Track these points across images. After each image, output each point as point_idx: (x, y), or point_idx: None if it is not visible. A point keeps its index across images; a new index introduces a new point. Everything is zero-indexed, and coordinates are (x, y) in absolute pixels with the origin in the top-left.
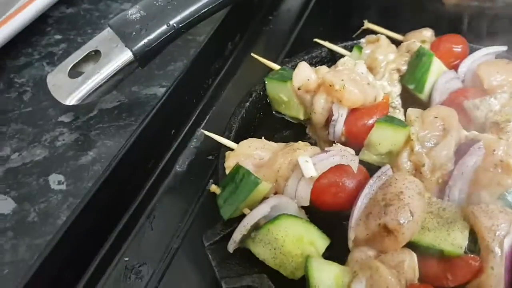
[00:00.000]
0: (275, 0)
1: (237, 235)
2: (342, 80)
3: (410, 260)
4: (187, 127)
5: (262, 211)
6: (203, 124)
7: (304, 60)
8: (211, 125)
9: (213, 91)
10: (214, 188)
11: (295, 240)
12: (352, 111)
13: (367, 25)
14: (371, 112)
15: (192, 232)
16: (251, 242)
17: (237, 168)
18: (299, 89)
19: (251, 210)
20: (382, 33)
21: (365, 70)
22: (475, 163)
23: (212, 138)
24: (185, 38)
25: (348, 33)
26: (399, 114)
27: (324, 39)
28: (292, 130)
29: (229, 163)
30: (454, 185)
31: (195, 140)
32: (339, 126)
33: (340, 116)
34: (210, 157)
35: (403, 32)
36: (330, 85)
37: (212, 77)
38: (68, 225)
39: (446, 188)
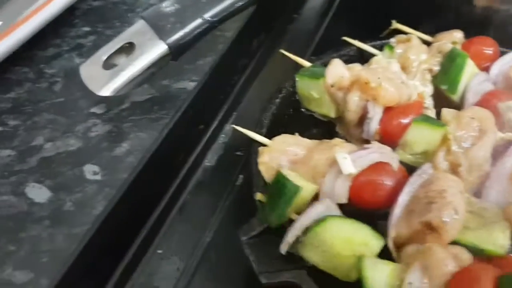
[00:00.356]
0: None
1: (290, 238)
2: (378, 77)
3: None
4: (216, 123)
5: (312, 216)
6: (231, 120)
7: (333, 58)
8: (239, 121)
9: (240, 87)
10: (259, 196)
11: (344, 241)
12: (387, 109)
13: (395, 25)
14: (406, 111)
15: (223, 226)
16: (300, 246)
17: (278, 175)
18: (332, 86)
19: (298, 214)
20: (410, 34)
21: (398, 69)
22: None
23: (240, 134)
24: (213, 34)
25: (374, 32)
26: (431, 115)
27: (354, 38)
28: (321, 128)
29: (263, 159)
30: (491, 186)
31: (223, 135)
32: (373, 125)
33: (375, 114)
34: (238, 153)
35: (430, 33)
36: (366, 83)
37: (239, 73)
38: (105, 216)
39: (483, 188)
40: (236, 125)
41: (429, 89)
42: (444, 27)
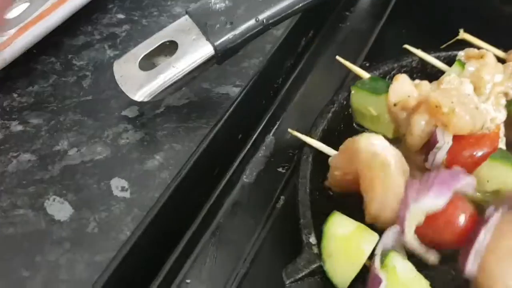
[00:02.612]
0: None
1: None
2: (452, 102)
3: None
4: (257, 133)
5: None
6: (273, 130)
7: (393, 68)
8: (282, 132)
9: (284, 93)
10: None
11: None
12: (457, 138)
13: (463, 35)
14: (480, 143)
15: (262, 256)
16: None
17: None
18: (395, 105)
19: None
20: (479, 46)
21: (471, 92)
22: None
23: (282, 147)
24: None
25: (435, 39)
26: (500, 143)
27: (410, 44)
28: None
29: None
30: None
31: (264, 148)
32: (441, 154)
33: (445, 144)
34: (280, 169)
35: (502, 47)
36: (437, 106)
37: (284, 76)
38: (132, 243)
39: None
40: (278, 136)
41: (502, 115)
42: None
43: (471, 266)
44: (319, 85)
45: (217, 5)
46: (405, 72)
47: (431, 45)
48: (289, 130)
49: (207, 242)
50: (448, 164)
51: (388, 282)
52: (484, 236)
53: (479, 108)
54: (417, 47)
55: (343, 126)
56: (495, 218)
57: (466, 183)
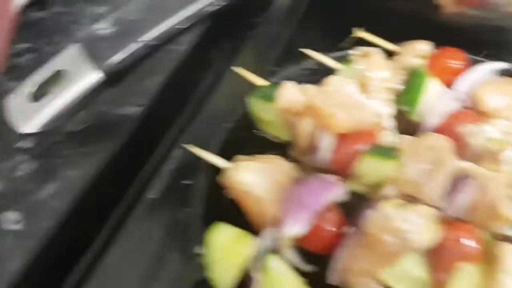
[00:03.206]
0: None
1: None
2: (329, 104)
3: None
4: (162, 148)
5: None
6: (179, 144)
7: (294, 72)
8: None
9: (193, 107)
10: None
11: None
12: (341, 137)
13: (359, 33)
14: (362, 139)
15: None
16: None
17: None
18: (284, 110)
19: None
20: (375, 43)
21: (356, 91)
22: (467, 201)
23: (190, 160)
24: (165, 49)
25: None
26: (393, 138)
27: (317, 45)
28: (277, 150)
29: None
30: None
31: (170, 162)
32: (324, 153)
33: (325, 143)
34: (186, 182)
35: (398, 41)
36: (317, 109)
37: (193, 90)
38: (22, 273)
39: None
40: (185, 150)
41: (390, 110)
42: (416, 35)
43: (332, 277)
44: (229, 95)
45: (103, 31)
46: (308, 74)
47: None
48: (185, 145)
49: (106, 267)
50: (335, 163)
51: (263, 282)
52: (340, 255)
53: (363, 106)
54: (326, 48)
55: (247, 132)
56: (351, 239)
57: (337, 192)
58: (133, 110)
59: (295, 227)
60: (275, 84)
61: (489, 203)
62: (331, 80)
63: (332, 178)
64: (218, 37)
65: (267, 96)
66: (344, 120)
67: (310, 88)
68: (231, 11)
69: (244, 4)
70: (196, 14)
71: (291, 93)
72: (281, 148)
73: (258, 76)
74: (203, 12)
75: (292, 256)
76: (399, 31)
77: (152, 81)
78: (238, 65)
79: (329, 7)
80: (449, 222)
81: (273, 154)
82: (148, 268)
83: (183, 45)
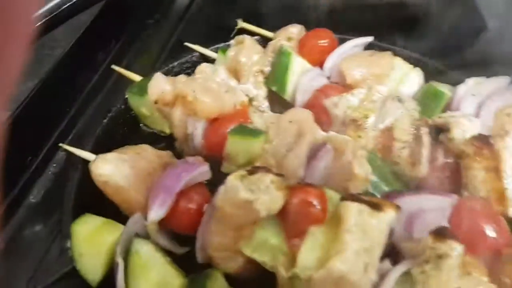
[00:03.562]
0: (156, 1)
1: None
2: (194, 91)
3: None
4: (44, 151)
5: None
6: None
7: (174, 66)
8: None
9: (78, 107)
10: None
11: None
12: (211, 122)
13: (241, 24)
14: (229, 122)
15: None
16: None
17: None
18: (156, 102)
19: None
20: (255, 32)
21: (225, 76)
22: (326, 167)
23: (73, 162)
24: (40, 53)
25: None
26: (268, 117)
27: (206, 39)
28: (164, 143)
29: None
30: None
31: (54, 165)
32: (197, 140)
33: (195, 129)
34: (69, 184)
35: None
36: (183, 97)
37: (79, 92)
38: None
39: None
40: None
41: (262, 92)
42: (294, 21)
43: (199, 256)
44: (115, 95)
45: None
46: (188, 67)
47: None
48: (60, 144)
49: None
50: (207, 147)
51: (130, 265)
52: (201, 233)
53: (231, 90)
54: (212, 42)
55: (127, 129)
56: (207, 216)
57: (199, 172)
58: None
59: (156, 210)
60: (147, 78)
61: (345, 166)
62: (199, 68)
63: (194, 159)
64: (105, 40)
65: (141, 90)
66: (208, 104)
67: (179, 77)
68: (121, 12)
69: (135, 5)
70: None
71: (160, 85)
72: (167, 141)
73: (142, 73)
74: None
75: (162, 239)
76: (278, 19)
77: (26, 86)
78: (123, 64)
79: (216, 3)
80: (296, 187)
81: (162, 147)
82: (29, 270)
83: (59, 49)
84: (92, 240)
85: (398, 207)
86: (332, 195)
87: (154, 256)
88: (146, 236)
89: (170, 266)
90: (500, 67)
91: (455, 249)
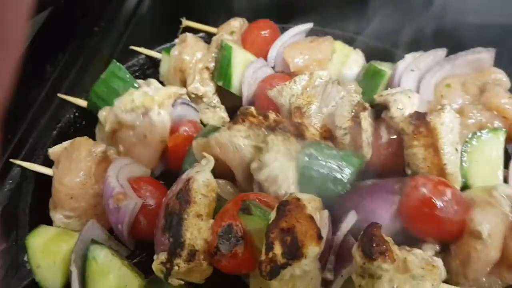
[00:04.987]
0: (101, 9)
1: None
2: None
3: None
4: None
5: None
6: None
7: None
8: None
9: (29, 122)
10: None
11: None
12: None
13: (186, 22)
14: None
15: None
16: None
17: None
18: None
19: None
20: (200, 29)
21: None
22: None
23: (28, 176)
24: None
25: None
26: (221, 112)
27: (152, 40)
28: None
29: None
30: None
31: (10, 181)
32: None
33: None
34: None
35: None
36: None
37: (29, 107)
38: None
39: None
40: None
41: (211, 88)
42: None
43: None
44: (65, 107)
45: None
46: (135, 70)
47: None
48: (11, 160)
49: None
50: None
51: (89, 271)
52: None
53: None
54: (159, 43)
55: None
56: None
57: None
58: None
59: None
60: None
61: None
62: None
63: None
64: (50, 53)
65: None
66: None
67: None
68: (66, 22)
69: (80, 14)
70: None
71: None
72: None
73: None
74: None
75: (115, 244)
76: (223, 15)
77: None
78: (71, 76)
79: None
80: None
81: None
82: None
83: None
84: (47, 251)
85: None
86: None
87: (111, 260)
88: (102, 240)
89: (128, 269)
90: (440, 41)
91: (384, 269)
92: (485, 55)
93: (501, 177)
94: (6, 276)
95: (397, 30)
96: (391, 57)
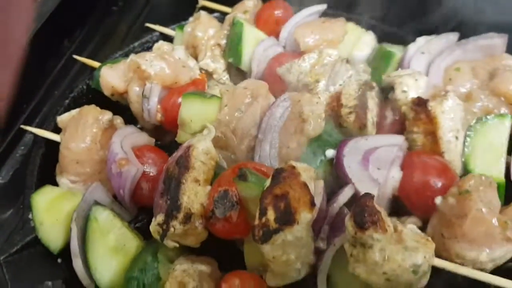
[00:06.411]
0: None
1: None
2: (147, 59)
3: None
4: (12, 134)
5: None
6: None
7: (135, 46)
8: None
9: (45, 92)
10: None
11: None
12: (168, 91)
13: (202, 2)
14: (185, 89)
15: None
16: None
17: None
18: (112, 95)
19: None
20: (216, 9)
21: (182, 54)
22: (283, 115)
23: (39, 142)
24: None
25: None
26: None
27: (171, 22)
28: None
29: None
30: (264, 139)
31: (22, 147)
32: (152, 103)
33: (152, 93)
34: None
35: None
36: (138, 67)
37: (45, 76)
38: None
39: (256, 142)
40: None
41: (221, 65)
42: None
43: None
44: (79, 79)
45: None
46: (148, 48)
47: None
48: (22, 126)
49: None
50: (162, 111)
51: (90, 231)
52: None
53: (188, 66)
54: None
55: None
56: None
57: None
58: None
59: None
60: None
61: (300, 111)
62: (156, 45)
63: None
64: (69, 28)
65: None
66: (162, 68)
67: (132, 55)
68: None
69: None
70: None
71: (108, 81)
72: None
73: (107, 57)
74: None
75: (118, 207)
76: None
77: None
78: (88, 50)
79: None
80: None
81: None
82: None
83: None
84: (51, 209)
85: None
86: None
87: (112, 221)
88: (105, 203)
89: (127, 230)
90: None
91: (375, 239)
92: (498, 41)
93: (503, 164)
94: (11, 234)
95: (412, 15)
96: (404, 42)
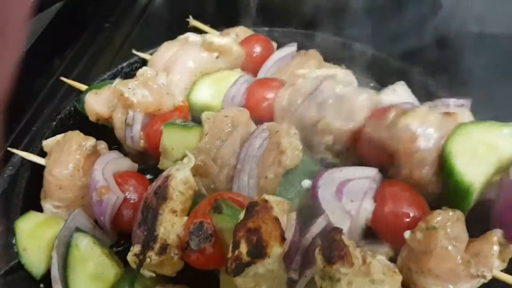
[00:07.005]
0: (112, 5)
1: None
2: (129, 88)
3: None
4: (1, 153)
5: None
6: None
7: (123, 67)
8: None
9: (34, 111)
10: None
11: None
12: (151, 117)
13: (193, 22)
14: (168, 116)
15: None
16: None
17: None
18: (98, 120)
19: None
20: (205, 30)
21: (165, 80)
22: (261, 145)
23: (29, 167)
24: None
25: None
26: None
27: (161, 42)
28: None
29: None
30: (242, 169)
31: (10, 167)
32: (135, 130)
33: (134, 120)
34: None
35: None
36: (121, 95)
37: (35, 95)
38: None
39: (235, 172)
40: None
41: None
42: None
43: None
44: (68, 99)
45: None
46: (136, 68)
47: None
48: (9, 148)
49: None
50: (145, 138)
51: (70, 257)
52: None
53: (171, 93)
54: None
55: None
56: None
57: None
58: None
59: None
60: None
61: (278, 142)
62: (140, 71)
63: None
64: (61, 46)
65: (83, 103)
66: (144, 96)
67: (116, 81)
68: (78, 16)
69: (91, 9)
70: None
71: (92, 107)
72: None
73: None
74: None
75: (99, 233)
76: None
77: None
78: (77, 70)
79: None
80: None
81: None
82: None
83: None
84: (34, 236)
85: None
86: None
87: (92, 248)
88: (87, 229)
89: (107, 258)
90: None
91: (343, 272)
92: None
93: None
94: None
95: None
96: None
